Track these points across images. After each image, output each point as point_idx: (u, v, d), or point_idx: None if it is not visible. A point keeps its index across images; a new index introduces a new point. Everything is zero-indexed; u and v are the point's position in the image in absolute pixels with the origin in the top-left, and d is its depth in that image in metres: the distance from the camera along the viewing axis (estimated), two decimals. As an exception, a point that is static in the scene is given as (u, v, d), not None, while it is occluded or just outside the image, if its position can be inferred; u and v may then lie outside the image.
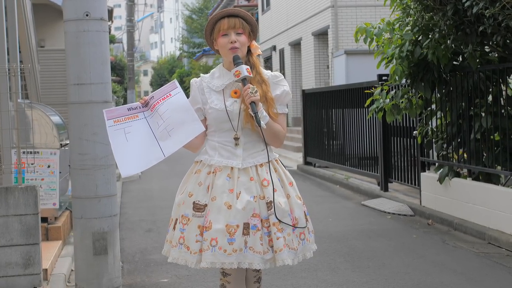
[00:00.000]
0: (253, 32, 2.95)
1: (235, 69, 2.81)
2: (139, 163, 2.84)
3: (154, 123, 2.87)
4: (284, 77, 3.08)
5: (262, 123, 2.77)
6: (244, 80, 2.81)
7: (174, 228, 2.90)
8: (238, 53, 2.86)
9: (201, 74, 3.00)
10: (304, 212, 2.93)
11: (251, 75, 2.83)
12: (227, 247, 2.71)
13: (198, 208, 2.81)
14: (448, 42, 6.34)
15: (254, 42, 2.98)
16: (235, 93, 2.88)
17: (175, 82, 2.92)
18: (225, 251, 2.71)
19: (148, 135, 2.86)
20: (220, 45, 2.90)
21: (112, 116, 2.88)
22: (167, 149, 2.83)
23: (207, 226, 2.75)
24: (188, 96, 2.96)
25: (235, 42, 2.85)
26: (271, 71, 3.04)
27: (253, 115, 2.77)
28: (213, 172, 2.85)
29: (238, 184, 2.81)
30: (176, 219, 2.90)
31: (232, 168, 2.84)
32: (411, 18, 6.68)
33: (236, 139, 2.86)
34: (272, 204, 2.79)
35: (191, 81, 3.00)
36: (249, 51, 2.95)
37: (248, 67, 2.84)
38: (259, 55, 3.01)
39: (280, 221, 2.78)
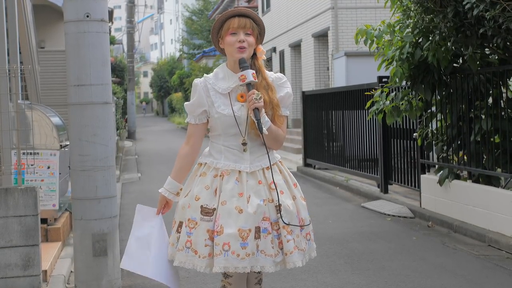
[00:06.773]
0: (260, 35, 2.92)
1: (241, 73, 2.78)
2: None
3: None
4: (284, 79, 3.06)
5: (264, 129, 2.74)
6: (249, 85, 2.78)
7: (178, 231, 2.88)
8: (245, 53, 2.83)
9: (205, 74, 2.94)
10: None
11: (257, 80, 2.80)
12: (240, 252, 2.69)
13: (207, 212, 2.78)
14: (449, 44, 6.34)
15: (260, 46, 2.95)
16: (242, 97, 2.84)
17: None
18: (238, 256, 2.69)
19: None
20: (227, 43, 2.85)
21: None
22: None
23: (218, 231, 2.72)
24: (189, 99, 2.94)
25: (243, 41, 2.82)
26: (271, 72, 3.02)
27: (255, 121, 2.74)
28: (220, 176, 2.82)
29: (247, 188, 2.79)
30: (181, 222, 2.87)
31: (240, 171, 2.81)
32: (412, 20, 6.68)
33: (244, 144, 2.83)
34: (280, 208, 2.79)
35: (194, 81, 2.94)
36: (254, 54, 2.93)
37: (254, 71, 2.81)
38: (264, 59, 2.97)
39: (289, 224, 2.77)
